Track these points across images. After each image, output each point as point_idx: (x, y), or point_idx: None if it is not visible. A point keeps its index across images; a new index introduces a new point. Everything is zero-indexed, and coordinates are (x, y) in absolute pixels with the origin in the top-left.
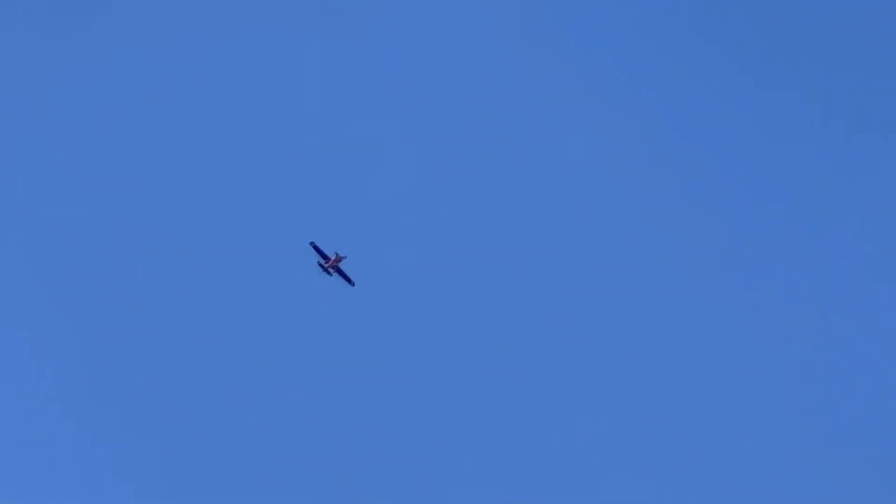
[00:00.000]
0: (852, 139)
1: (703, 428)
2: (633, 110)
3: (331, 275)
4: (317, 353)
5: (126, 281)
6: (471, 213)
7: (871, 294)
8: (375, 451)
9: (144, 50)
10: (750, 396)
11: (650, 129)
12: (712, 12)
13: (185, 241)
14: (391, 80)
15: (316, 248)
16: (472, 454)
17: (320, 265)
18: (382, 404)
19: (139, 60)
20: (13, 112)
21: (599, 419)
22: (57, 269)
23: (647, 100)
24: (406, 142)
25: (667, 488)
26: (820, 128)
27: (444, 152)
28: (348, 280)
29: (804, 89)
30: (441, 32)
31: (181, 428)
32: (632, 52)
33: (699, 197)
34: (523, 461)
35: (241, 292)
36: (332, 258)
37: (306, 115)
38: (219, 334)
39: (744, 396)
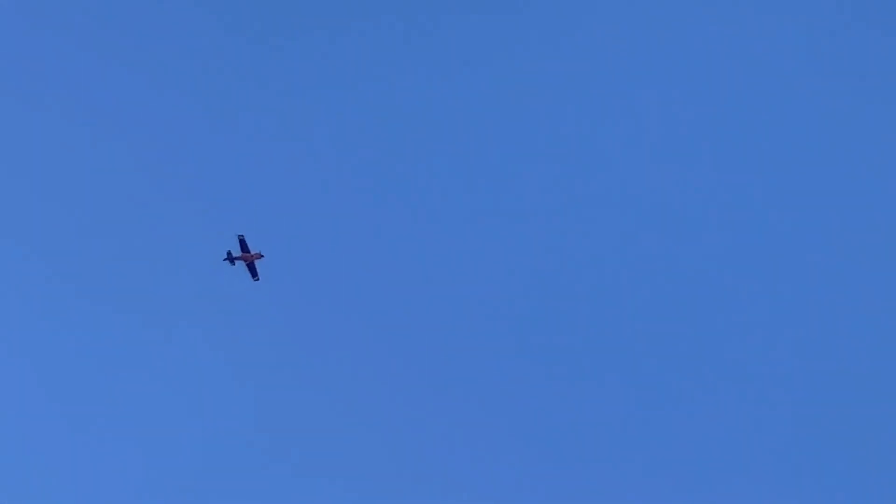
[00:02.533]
0: None
1: None
2: None
3: (234, 264)
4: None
5: None
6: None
7: None
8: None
9: None
10: None
11: None
12: None
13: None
14: None
15: (241, 242)
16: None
17: (229, 254)
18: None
19: None
20: None
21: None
22: None
23: None
24: None
25: None
26: None
27: None
28: (254, 274)
29: None
30: None
31: None
32: None
33: None
34: None
35: None
36: (253, 254)
37: None
38: None
39: None
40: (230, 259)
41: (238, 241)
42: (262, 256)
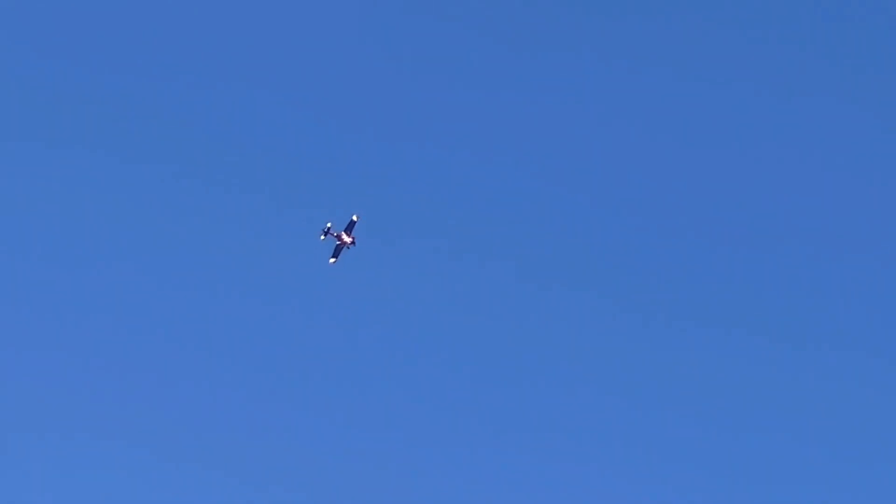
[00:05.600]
0: None
1: None
2: None
3: (324, 238)
4: None
5: None
6: None
7: None
8: None
9: None
10: None
11: None
12: None
13: None
14: None
15: (351, 223)
16: None
17: (328, 228)
18: None
19: None
20: None
21: None
22: None
23: None
24: None
25: None
26: None
27: None
28: (336, 255)
29: None
30: None
31: None
32: None
33: None
34: None
35: None
36: (349, 239)
37: None
38: None
39: None
40: (325, 232)
41: (349, 221)
42: (355, 244)
